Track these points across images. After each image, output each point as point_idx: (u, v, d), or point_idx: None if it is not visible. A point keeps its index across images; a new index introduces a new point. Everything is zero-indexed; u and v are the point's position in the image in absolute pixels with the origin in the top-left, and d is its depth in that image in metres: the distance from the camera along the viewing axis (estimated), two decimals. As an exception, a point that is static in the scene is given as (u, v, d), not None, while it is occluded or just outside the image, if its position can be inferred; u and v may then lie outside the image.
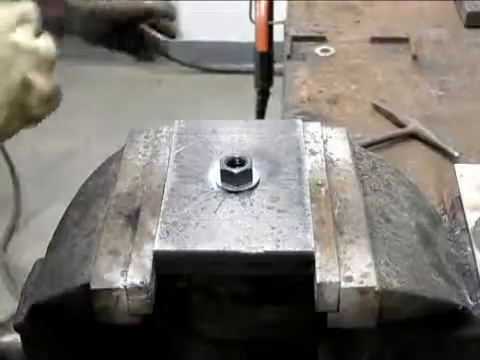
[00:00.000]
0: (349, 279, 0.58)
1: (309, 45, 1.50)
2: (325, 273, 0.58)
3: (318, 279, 0.57)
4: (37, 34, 0.91)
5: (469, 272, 0.69)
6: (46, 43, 0.92)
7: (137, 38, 1.42)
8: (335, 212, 0.64)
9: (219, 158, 0.66)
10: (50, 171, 2.65)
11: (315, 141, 0.72)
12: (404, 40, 1.50)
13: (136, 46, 1.45)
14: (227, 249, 0.59)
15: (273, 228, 0.61)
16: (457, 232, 0.74)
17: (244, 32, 2.79)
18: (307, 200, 0.64)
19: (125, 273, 0.58)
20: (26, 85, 0.89)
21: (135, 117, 2.76)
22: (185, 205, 0.64)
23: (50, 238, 0.73)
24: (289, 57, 1.46)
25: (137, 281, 0.58)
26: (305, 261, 0.59)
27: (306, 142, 0.71)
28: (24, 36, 0.89)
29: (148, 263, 0.59)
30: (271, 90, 2.08)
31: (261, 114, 2.14)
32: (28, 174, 2.57)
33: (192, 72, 3.26)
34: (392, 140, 1.21)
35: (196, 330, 0.66)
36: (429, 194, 0.94)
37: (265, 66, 2.04)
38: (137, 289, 0.58)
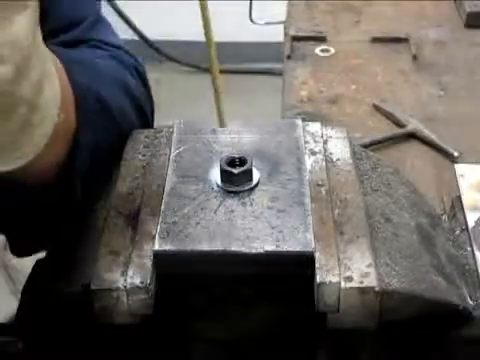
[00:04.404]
0: (349, 279, 0.58)
1: (309, 45, 1.50)
2: (325, 273, 0.58)
3: (318, 279, 0.57)
4: None
5: (469, 272, 0.69)
6: None
7: None
8: (335, 212, 0.64)
9: (219, 158, 0.66)
10: (50, 171, 2.65)
11: (315, 141, 0.72)
12: (404, 40, 1.50)
13: None
14: (227, 249, 0.59)
15: (273, 228, 0.61)
16: (457, 232, 0.74)
17: (244, 32, 2.79)
18: (307, 200, 0.64)
19: (125, 273, 0.58)
20: None
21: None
22: (185, 205, 0.63)
23: (50, 238, 0.73)
24: (289, 57, 1.46)
25: (137, 281, 0.58)
26: (305, 261, 0.59)
27: (306, 142, 0.71)
28: None
29: (148, 263, 0.59)
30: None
31: None
32: (28, 174, 2.57)
33: (192, 72, 3.26)
34: (392, 140, 1.21)
35: (195, 330, 0.66)
36: (429, 194, 0.94)
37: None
38: (137, 289, 0.58)
